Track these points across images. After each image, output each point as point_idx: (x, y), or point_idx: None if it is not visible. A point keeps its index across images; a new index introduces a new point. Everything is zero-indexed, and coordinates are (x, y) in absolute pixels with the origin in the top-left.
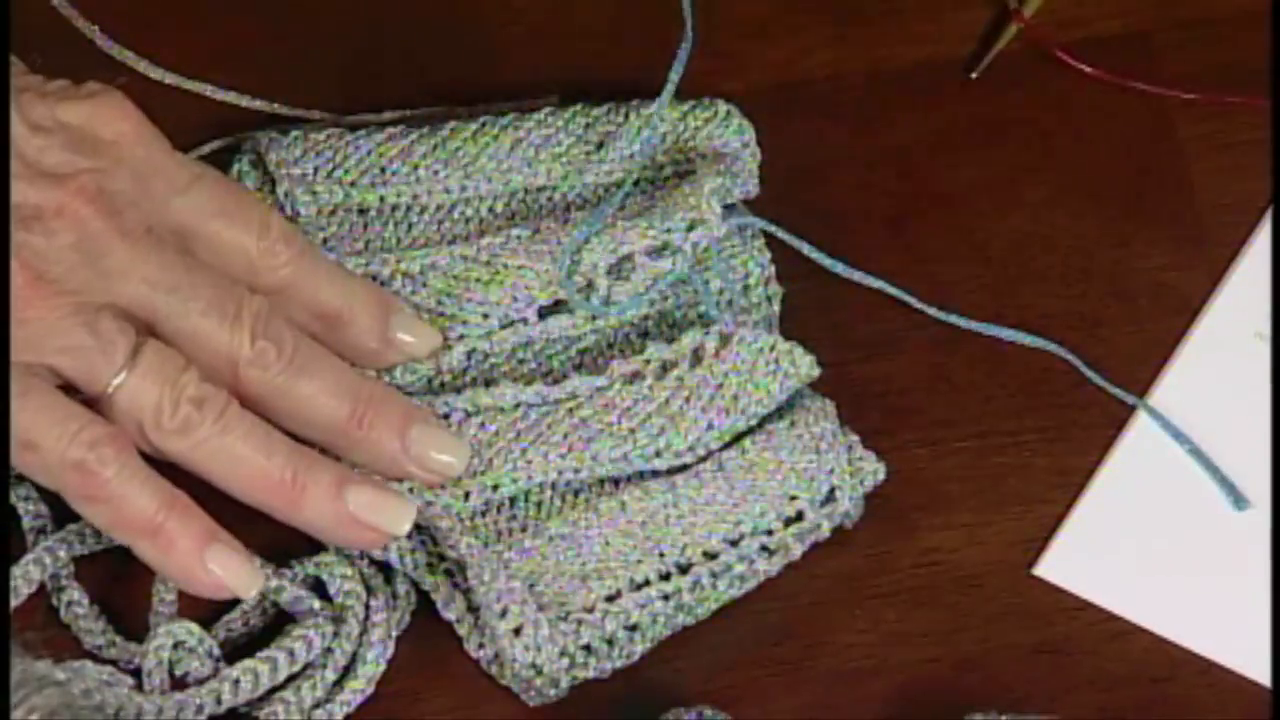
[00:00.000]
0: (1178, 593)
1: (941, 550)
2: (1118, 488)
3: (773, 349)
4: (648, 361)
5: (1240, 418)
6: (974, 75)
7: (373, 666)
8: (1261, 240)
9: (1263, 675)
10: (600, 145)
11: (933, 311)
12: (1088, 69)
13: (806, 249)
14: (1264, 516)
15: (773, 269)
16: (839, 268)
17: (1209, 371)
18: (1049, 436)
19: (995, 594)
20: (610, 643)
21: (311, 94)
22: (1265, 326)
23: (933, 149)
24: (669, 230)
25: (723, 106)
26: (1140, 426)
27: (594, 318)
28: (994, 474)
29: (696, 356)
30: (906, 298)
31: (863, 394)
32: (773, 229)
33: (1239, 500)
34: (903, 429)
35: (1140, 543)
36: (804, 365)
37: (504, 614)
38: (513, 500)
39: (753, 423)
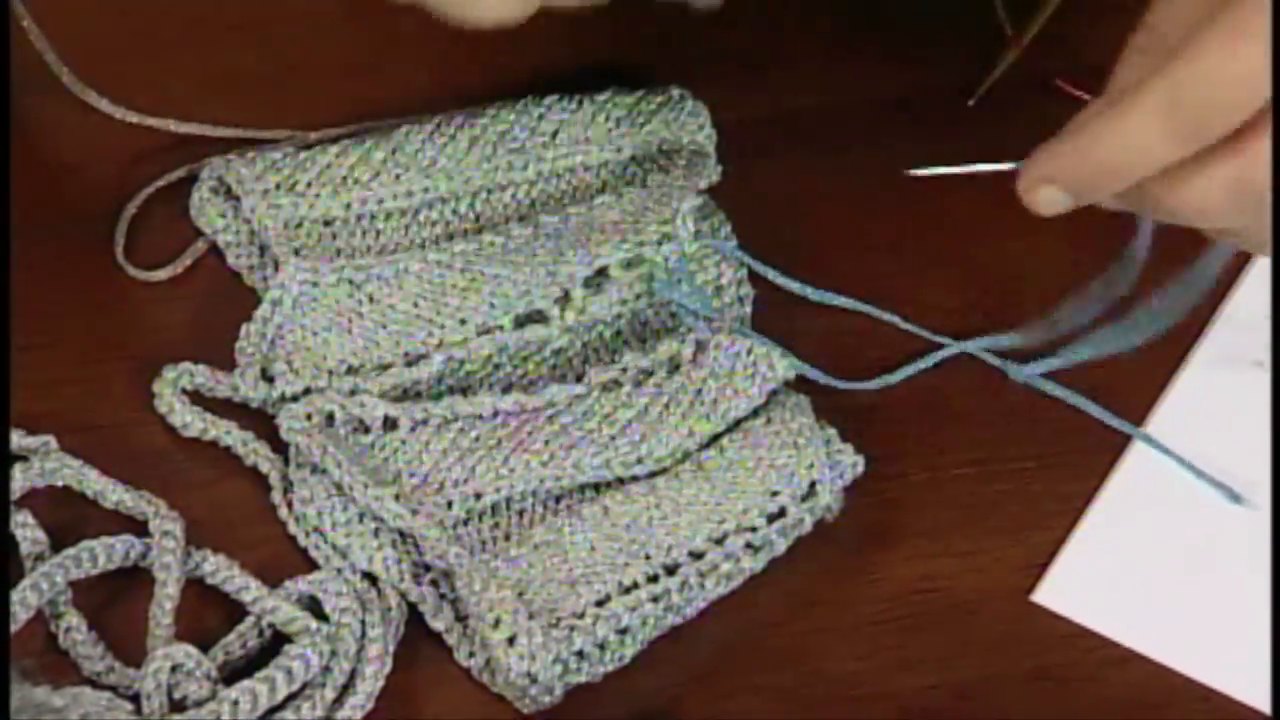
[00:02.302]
0: (1177, 619)
1: (940, 577)
2: (1116, 514)
3: (750, 353)
4: (625, 370)
5: (1239, 445)
6: (972, 102)
7: (371, 682)
8: (1260, 266)
9: (1263, 702)
10: (555, 134)
11: (909, 328)
12: (1086, 96)
13: (772, 274)
14: (1264, 542)
15: (744, 271)
16: (808, 291)
17: (1207, 398)
18: (1047, 463)
19: (994, 621)
20: (602, 647)
21: (271, 117)
22: (1264, 354)
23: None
24: (641, 243)
25: (675, 91)
26: (1138, 452)
27: (570, 326)
28: (992, 500)
29: (674, 364)
30: (880, 313)
31: (861, 420)
32: (741, 255)
33: (1235, 496)
34: (901, 455)
35: (1139, 569)
36: (781, 367)
37: (496, 624)
38: (494, 508)
39: (731, 425)
